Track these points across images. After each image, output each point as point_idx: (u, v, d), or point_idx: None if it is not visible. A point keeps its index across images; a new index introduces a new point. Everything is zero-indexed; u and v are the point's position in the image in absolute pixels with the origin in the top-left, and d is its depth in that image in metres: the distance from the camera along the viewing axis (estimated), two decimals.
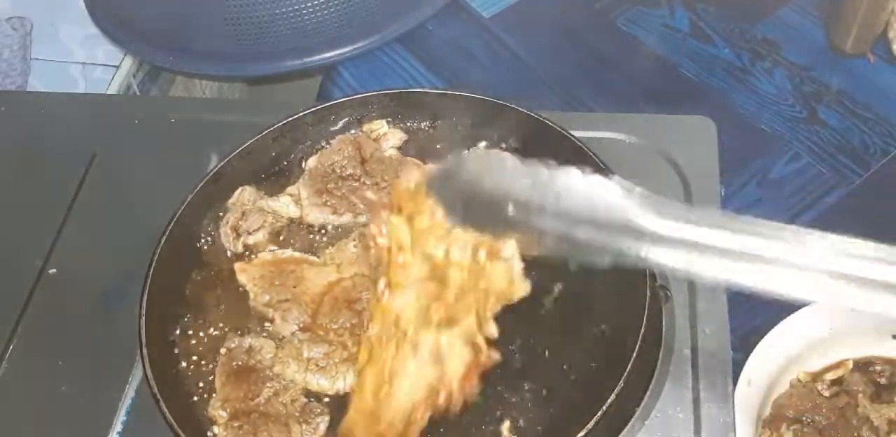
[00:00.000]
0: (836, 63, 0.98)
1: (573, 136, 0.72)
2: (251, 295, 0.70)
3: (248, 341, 0.68)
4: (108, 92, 1.06)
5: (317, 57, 1.01)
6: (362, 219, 0.75)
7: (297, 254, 0.73)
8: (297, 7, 0.96)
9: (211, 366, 0.68)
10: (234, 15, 0.97)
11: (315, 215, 0.75)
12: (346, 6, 0.99)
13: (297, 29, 0.99)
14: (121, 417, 0.71)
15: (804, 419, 0.69)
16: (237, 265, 0.72)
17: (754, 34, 1.02)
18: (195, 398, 0.67)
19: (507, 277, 0.56)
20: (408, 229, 0.57)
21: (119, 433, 0.70)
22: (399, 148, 0.79)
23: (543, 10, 1.08)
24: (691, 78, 0.98)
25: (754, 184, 0.88)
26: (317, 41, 1.01)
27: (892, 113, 0.93)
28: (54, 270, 0.81)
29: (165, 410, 0.62)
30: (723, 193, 0.81)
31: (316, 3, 0.97)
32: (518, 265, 0.55)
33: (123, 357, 0.74)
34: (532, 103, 0.95)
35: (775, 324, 0.69)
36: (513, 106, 0.75)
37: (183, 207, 0.73)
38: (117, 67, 1.08)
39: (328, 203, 0.75)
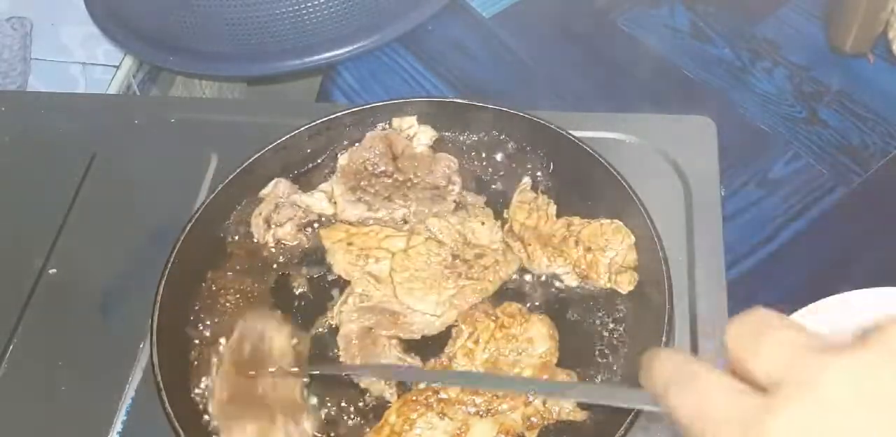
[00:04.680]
0: (836, 63, 0.98)
1: (604, 158, 0.74)
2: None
3: (262, 327, 0.68)
4: (108, 92, 1.06)
5: (317, 57, 1.01)
6: (398, 214, 0.75)
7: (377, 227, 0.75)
8: (297, 7, 0.96)
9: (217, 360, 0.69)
10: (234, 15, 0.97)
11: (351, 212, 0.76)
12: (346, 6, 0.99)
13: (297, 29, 0.99)
14: (121, 417, 0.71)
15: None
16: (322, 231, 0.74)
17: (754, 34, 1.02)
18: (197, 391, 0.68)
19: (561, 402, 0.64)
20: (492, 328, 0.67)
21: (119, 433, 0.70)
22: (431, 146, 0.80)
23: (543, 10, 1.08)
24: (691, 78, 0.98)
25: (754, 184, 0.88)
26: (317, 41, 1.01)
27: (892, 113, 0.93)
28: (54, 270, 0.81)
29: (165, 399, 0.63)
30: (723, 193, 0.82)
31: (316, 3, 0.97)
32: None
33: (123, 357, 0.74)
34: (532, 103, 0.96)
35: None
36: (553, 127, 0.77)
37: (213, 196, 0.74)
38: (117, 67, 1.08)
39: (363, 200, 0.76)
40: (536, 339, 0.66)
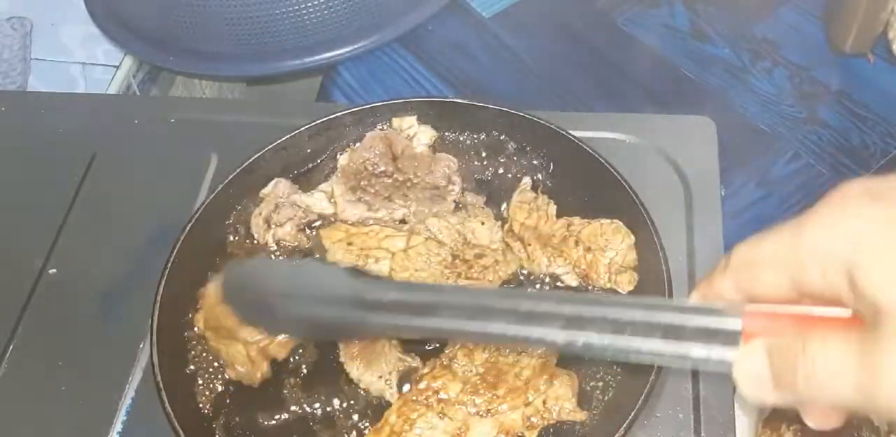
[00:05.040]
0: (836, 63, 0.98)
1: (604, 158, 0.74)
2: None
3: None
4: (108, 92, 1.06)
5: (317, 57, 1.01)
6: (398, 214, 0.75)
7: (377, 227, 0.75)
8: (297, 7, 0.96)
9: (216, 363, 0.69)
10: (234, 15, 0.97)
11: (351, 212, 0.76)
12: (346, 6, 0.99)
13: (297, 29, 0.99)
14: (121, 417, 0.71)
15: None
16: (322, 231, 0.74)
17: (754, 34, 1.02)
18: (196, 389, 0.68)
19: (562, 403, 0.64)
20: None
21: (119, 433, 0.70)
22: (430, 146, 0.80)
23: (543, 10, 1.08)
24: (691, 78, 0.98)
25: (754, 184, 0.88)
26: (317, 41, 1.01)
27: (892, 113, 0.93)
28: (54, 270, 0.81)
29: (165, 399, 0.63)
30: (723, 193, 0.81)
31: (316, 3, 0.97)
32: (573, 398, 0.64)
33: (123, 357, 0.74)
34: (532, 103, 0.96)
35: None
36: (554, 127, 0.76)
37: (213, 197, 0.74)
38: (117, 67, 1.08)
39: (363, 200, 0.76)
40: None
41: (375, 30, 1.02)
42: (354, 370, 0.67)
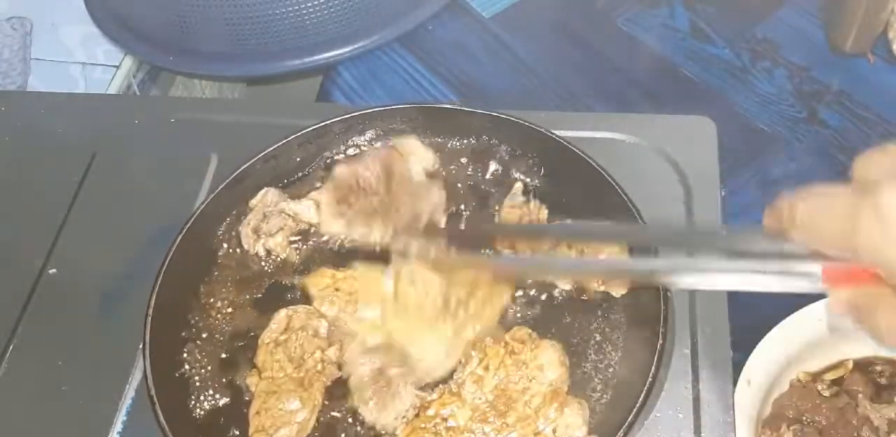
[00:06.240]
0: (836, 63, 0.98)
1: (593, 160, 0.73)
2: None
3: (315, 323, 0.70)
4: (108, 92, 1.06)
5: (317, 57, 1.01)
6: (374, 237, 0.74)
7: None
8: (297, 7, 0.96)
9: (207, 373, 0.69)
10: (234, 15, 0.97)
11: (330, 224, 0.75)
12: (346, 6, 0.99)
13: (297, 29, 0.99)
14: (121, 417, 0.71)
15: (804, 419, 0.69)
16: (307, 280, 0.73)
17: (754, 34, 1.02)
18: (192, 402, 0.68)
19: (572, 432, 0.63)
20: (501, 354, 0.66)
21: (119, 433, 0.70)
22: (428, 171, 0.79)
23: (543, 10, 1.08)
24: (691, 78, 0.98)
25: (754, 184, 0.88)
26: (317, 41, 1.01)
27: (892, 113, 0.93)
28: (54, 270, 0.80)
29: (159, 412, 0.63)
30: (723, 193, 0.81)
31: (316, 3, 0.97)
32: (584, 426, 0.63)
33: (123, 357, 0.73)
34: (532, 103, 0.96)
35: (775, 324, 0.69)
36: (543, 130, 0.76)
37: (203, 207, 0.73)
38: (117, 67, 1.08)
39: (344, 215, 0.75)
40: (546, 365, 0.65)
41: (375, 30, 1.02)
42: (370, 414, 0.66)
